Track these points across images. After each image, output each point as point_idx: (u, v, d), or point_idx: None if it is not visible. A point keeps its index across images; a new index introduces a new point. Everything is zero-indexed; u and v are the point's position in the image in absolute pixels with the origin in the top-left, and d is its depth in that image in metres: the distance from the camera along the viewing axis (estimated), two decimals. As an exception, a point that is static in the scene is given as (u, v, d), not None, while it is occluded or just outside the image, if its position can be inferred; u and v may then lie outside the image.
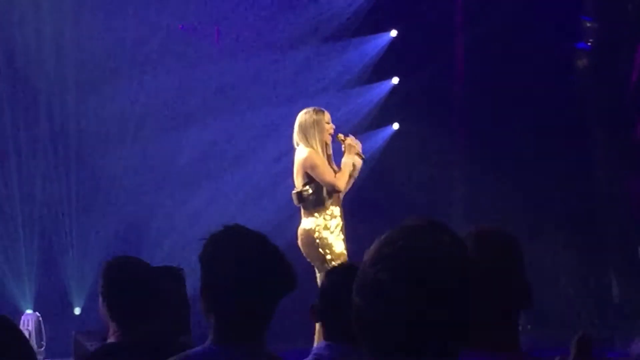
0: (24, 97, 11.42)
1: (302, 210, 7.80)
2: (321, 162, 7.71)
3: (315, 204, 7.73)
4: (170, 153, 11.96)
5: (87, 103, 11.55)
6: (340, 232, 7.79)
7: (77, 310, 11.56)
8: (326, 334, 3.94)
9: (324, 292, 4.03)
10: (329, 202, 7.74)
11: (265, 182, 11.92)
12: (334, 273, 4.10)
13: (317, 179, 7.68)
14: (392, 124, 12.53)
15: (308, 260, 7.76)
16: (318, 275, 7.74)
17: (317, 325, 7.66)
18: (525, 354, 2.74)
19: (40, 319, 10.26)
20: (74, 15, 11.48)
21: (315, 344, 7.57)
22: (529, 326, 10.91)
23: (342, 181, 7.77)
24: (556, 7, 12.44)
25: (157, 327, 3.95)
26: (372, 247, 1.93)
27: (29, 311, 10.61)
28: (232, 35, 12.14)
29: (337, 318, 3.93)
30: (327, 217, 7.73)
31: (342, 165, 7.87)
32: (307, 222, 7.74)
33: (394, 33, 12.53)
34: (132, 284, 3.93)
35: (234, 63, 11.99)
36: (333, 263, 7.62)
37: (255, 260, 2.91)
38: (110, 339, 3.96)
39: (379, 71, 12.55)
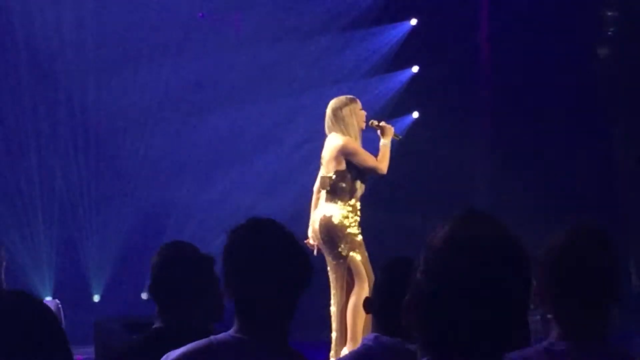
0: (43, 86, 11.45)
1: (325, 196, 7.77)
2: (360, 148, 7.74)
3: (342, 192, 7.71)
4: (190, 141, 11.98)
5: (107, 91, 11.57)
6: (358, 227, 7.77)
7: (96, 298, 11.61)
8: (376, 326, 3.97)
9: (378, 285, 4.07)
10: (353, 194, 7.73)
11: (285, 170, 11.92)
12: (389, 267, 4.12)
13: (360, 165, 7.68)
14: (411, 112, 12.52)
15: (323, 247, 7.70)
16: (330, 265, 7.70)
17: (335, 324, 7.68)
18: (610, 343, 2.77)
19: (60, 306, 10.29)
20: (95, 2, 11.49)
21: (332, 341, 7.61)
22: (548, 315, 10.86)
23: (385, 164, 7.81)
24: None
25: (200, 314, 3.96)
26: (440, 236, 1.92)
27: (48, 298, 10.66)
28: (252, 23, 12.13)
29: (389, 311, 3.95)
30: (349, 208, 7.72)
31: (381, 149, 7.88)
32: (328, 208, 7.71)
33: (414, 22, 12.50)
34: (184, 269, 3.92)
35: (254, 51, 11.98)
36: (352, 253, 7.61)
37: (277, 254, 2.92)
38: (157, 324, 3.96)
39: (399, 60, 12.53)
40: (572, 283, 2.73)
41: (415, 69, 12.56)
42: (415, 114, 12.53)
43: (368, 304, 4.07)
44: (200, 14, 12.03)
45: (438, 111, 12.32)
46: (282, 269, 2.91)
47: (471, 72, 12.75)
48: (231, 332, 2.93)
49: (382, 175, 7.90)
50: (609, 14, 12.78)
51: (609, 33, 12.79)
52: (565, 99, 12.35)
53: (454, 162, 12.46)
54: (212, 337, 2.94)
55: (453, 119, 12.35)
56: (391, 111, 12.27)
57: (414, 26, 12.53)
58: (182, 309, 3.89)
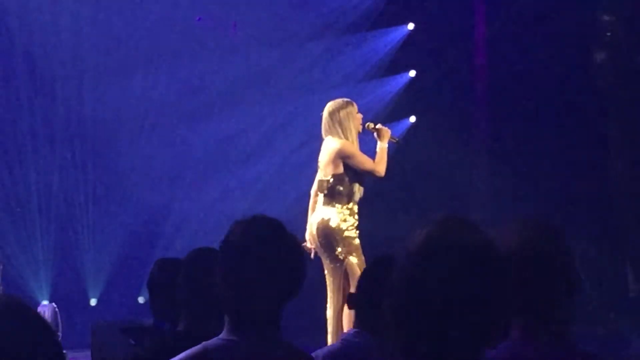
0: (41, 89, 11.44)
1: (322, 199, 7.78)
2: (357, 151, 7.75)
3: (339, 196, 7.72)
4: (187, 145, 11.97)
5: (104, 95, 11.56)
6: (355, 230, 7.77)
7: (93, 301, 11.60)
8: (357, 322, 3.96)
9: (361, 281, 4.07)
10: (350, 197, 7.74)
11: (282, 174, 11.92)
12: (373, 264, 4.12)
13: (358, 167, 7.69)
14: (409, 116, 12.52)
15: (320, 251, 7.71)
16: (327, 269, 7.70)
17: (331, 327, 7.67)
18: (573, 345, 2.75)
19: (57, 309, 10.28)
20: (92, 5, 11.49)
21: (329, 344, 7.59)
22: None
23: (382, 166, 7.82)
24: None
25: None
26: (416, 241, 1.93)
27: (45, 302, 10.65)
28: (249, 28, 12.13)
29: (370, 308, 3.94)
30: (347, 212, 7.72)
31: (378, 151, 7.89)
32: (325, 212, 7.72)
33: (410, 26, 12.51)
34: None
35: (251, 55, 11.98)
36: (349, 257, 7.61)
37: (273, 253, 2.92)
38: (180, 327, 3.96)
39: (396, 64, 12.54)
40: (528, 281, 2.69)
41: (412, 73, 12.57)
42: (413, 118, 12.53)
43: (351, 300, 4.07)
44: (198, 18, 12.02)
45: (435, 115, 12.33)
46: (277, 267, 2.90)
47: (468, 76, 12.76)
48: (222, 335, 2.92)
49: (380, 178, 7.92)
50: (606, 18, 12.79)
51: (606, 37, 12.79)
52: (561, 103, 12.36)
53: (451, 165, 12.47)
54: (204, 343, 2.92)
55: (450, 122, 12.36)
56: (388, 115, 12.28)
57: (410, 30, 12.54)
58: (207, 313, 3.89)
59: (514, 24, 12.33)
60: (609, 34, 12.75)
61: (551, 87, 12.37)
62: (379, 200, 10.76)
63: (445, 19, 12.47)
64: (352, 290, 7.55)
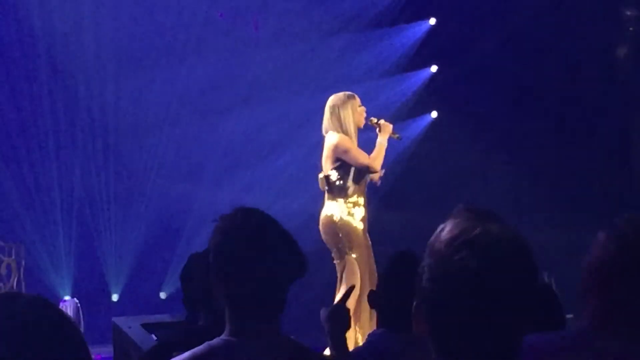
0: (62, 87, 11.48)
1: (326, 195, 7.77)
2: (353, 146, 7.72)
3: (341, 190, 7.71)
4: (208, 141, 11.98)
5: (125, 92, 11.59)
6: (362, 222, 7.75)
7: (114, 297, 11.63)
8: (381, 321, 3.91)
9: (383, 278, 4.00)
10: (353, 190, 7.72)
11: (302, 171, 11.90)
12: (394, 261, 4.05)
13: (352, 163, 7.67)
14: (430, 112, 12.49)
15: (327, 246, 7.71)
16: (336, 263, 7.70)
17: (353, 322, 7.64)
18: None
19: (79, 305, 10.33)
20: (113, 3, 11.51)
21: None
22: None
23: (378, 161, 7.78)
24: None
25: None
26: (446, 234, 1.89)
27: (67, 297, 10.70)
28: (270, 23, 12.12)
29: (395, 306, 3.88)
30: (350, 205, 7.70)
31: (377, 146, 7.86)
32: (329, 208, 7.72)
33: (432, 21, 12.48)
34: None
35: (272, 51, 11.97)
36: (352, 252, 7.59)
37: (265, 243, 2.86)
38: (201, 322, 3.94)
39: (417, 59, 12.50)
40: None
41: (434, 68, 12.54)
42: (434, 114, 12.50)
43: (373, 299, 4.00)
44: (220, 14, 12.03)
45: (457, 111, 12.29)
46: (272, 257, 2.84)
47: (490, 72, 12.71)
48: (225, 335, 2.87)
49: (374, 171, 7.83)
50: (628, 13, 12.72)
51: (628, 32, 12.72)
52: (584, 98, 12.30)
53: (471, 161, 12.43)
54: (208, 342, 2.87)
55: (472, 118, 12.32)
56: (409, 110, 12.26)
57: (432, 26, 12.51)
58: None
59: (535, 19, 12.27)
60: (631, 28, 12.68)
61: (573, 82, 12.31)
62: (398, 196, 10.74)
63: (467, 14, 12.42)
64: (342, 288, 7.49)
